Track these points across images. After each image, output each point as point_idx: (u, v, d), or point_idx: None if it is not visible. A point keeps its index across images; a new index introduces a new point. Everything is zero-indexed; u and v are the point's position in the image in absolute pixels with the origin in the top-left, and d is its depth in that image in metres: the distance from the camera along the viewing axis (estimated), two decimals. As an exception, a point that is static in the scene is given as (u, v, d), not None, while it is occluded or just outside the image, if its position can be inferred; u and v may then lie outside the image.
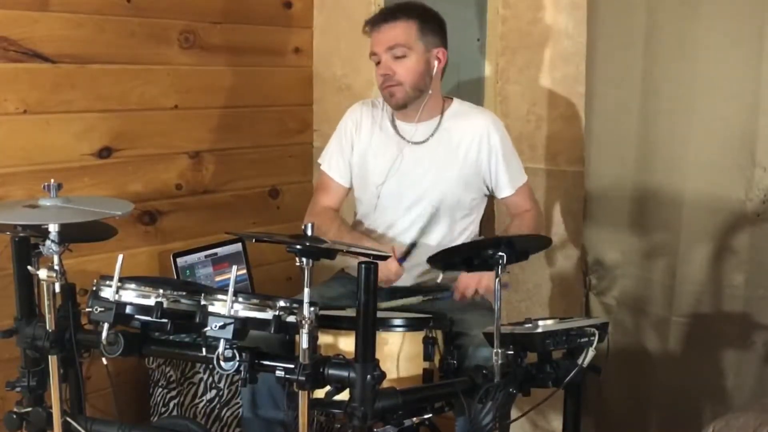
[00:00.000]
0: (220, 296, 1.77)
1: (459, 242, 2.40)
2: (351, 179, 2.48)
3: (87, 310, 1.83)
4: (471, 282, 2.22)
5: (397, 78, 2.29)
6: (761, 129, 2.18)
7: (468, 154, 2.37)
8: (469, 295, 2.23)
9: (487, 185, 2.41)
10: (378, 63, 2.32)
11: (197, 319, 1.78)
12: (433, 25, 2.32)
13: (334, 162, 2.47)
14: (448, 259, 2.06)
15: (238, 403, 2.55)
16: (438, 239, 2.36)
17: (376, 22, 2.32)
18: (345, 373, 1.71)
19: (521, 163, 2.46)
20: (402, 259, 2.24)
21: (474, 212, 2.44)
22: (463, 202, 2.39)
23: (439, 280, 2.26)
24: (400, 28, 2.29)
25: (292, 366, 1.73)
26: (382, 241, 2.38)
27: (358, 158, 2.45)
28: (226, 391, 2.58)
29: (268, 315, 1.75)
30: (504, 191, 2.41)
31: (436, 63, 2.32)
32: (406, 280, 2.33)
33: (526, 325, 1.93)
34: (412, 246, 2.26)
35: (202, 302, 1.78)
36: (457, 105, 2.43)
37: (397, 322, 1.98)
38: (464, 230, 2.42)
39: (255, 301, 1.77)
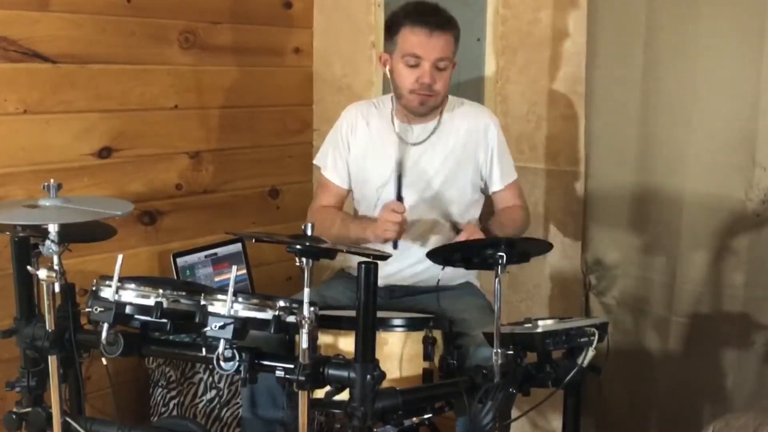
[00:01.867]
0: (220, 296, 1.77)
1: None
2: (350, 181, 2.47)
3: (87, 310, 1.83)
4: (477, 230, 2.22)
5: (435, 89, 2.26)
6: (761, 129, 2.18)
7: (466, 149, 2.37)
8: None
9: (482, 179, 2.42)
10: (414, 66, 2.24)
11: (197, 319, 1.78)
12: (458, 38, 2.30)
13: (332, 165, 2.46)
14: (448, 256, 2.05)
15: (238, 403, 2.55)
16: (439, 236, 2.36)
17: (432, 25, 2.22)
18: (345, 373, 1.71)
19: (513, 162, 2.47)
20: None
21: (473, 208, 2.44)
22: (463, 198, 2.40)
23: (439, 276, 2.27)
24: (450, 41, 2.25)
25: (292, 366, 1.73)
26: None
27: (355, 160, 2.44)
28: (226, 391, 2.58)
29: (268, 315, 1.75)
30: (494, 186, 2.42)
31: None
32: (404, 279, 2.35)
33: (526, 325, 1.93)
34: (399, 176, 2.21)
35: (202, 302, 1.78)
36: (453, 103, 2.43)
37: (397, 322, 1.98)
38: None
39: (255, 301, 1.77)
